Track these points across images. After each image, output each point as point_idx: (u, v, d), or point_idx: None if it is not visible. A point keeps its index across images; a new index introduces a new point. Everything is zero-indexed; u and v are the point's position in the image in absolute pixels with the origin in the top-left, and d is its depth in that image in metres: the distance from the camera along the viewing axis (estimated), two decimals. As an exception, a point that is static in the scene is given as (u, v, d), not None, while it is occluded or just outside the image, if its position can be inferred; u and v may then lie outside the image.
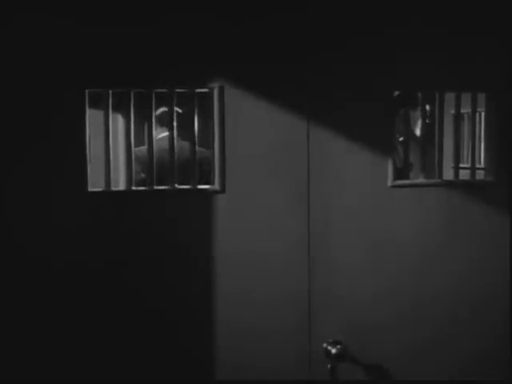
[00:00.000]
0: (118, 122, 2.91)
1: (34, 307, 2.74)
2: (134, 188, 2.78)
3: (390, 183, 2.94)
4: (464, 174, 3.06)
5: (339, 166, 2.90)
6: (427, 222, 2.97)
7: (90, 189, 2.75)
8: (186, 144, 2.83)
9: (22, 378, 2.73)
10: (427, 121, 3.09)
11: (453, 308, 3.01)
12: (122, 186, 2.83)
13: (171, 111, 2.79)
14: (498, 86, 3.01)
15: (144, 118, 2.80)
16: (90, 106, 2.74)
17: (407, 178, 3.02)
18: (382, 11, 2.90)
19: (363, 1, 2.89)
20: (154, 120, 2.79)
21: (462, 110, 3.04)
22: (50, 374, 2.75)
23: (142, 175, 2.89)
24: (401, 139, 3.05)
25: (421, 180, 3.01)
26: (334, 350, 2.88)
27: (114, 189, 2.78)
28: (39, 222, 2.72)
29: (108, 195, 2.77)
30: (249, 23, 2.82)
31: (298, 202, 2.88)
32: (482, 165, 3.08)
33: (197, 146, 2.80)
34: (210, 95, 2.81)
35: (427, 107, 3.10)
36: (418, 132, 3.34)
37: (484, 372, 3.03)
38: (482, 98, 3.05)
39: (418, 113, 3.17)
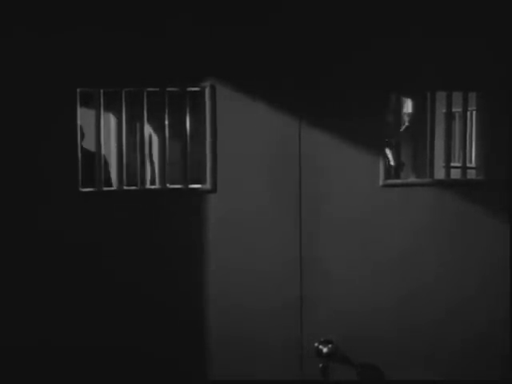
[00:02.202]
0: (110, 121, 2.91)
1: (27, 302, 2.73)
2: (125, 187, 2.78)
3: (381, 183, 2.94)
4: (455, 173, 3.06)
5: (331, 165, 2.90)
6: (418, 221, 2.98)
7: (81, 188, 2.74)
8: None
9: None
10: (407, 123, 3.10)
11: (446, 306, 3.01)
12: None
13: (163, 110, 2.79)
14: (489, 85, 3.02)
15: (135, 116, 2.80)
16: (83, 105, 2.74)
17: (398, 177, 3.03)
18: (373, 11, 2.90)
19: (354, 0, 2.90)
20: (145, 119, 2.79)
21: (453, 109, 3.04)
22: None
23: None
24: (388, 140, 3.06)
25: (412, 179, 3.01)
26: (325, 350, 2.89)
27: (105, 188, 2.77)
28: (30, 222, 2.71)
29: (99, 195, 2.76)
30: (240, 23, 2.81)
31: (289, 201, 2.88)
32: (473, 164, 3.08)
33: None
34: (201, 94, 2.80)
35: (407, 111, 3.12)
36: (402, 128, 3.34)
37: (483, 371, 3.04)
38: (473, 97, 3.05)
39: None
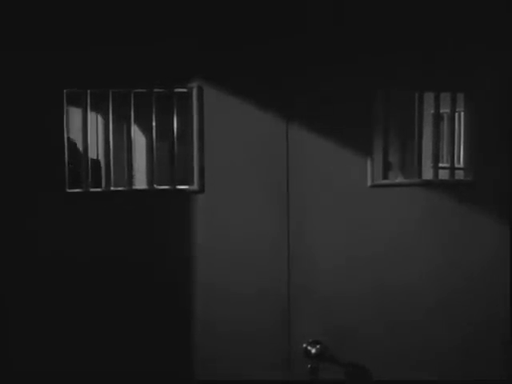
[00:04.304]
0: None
1: (16, 301, 2.73)
2: (112, 188, 2.78)
3: (369, 183, 2.95)
4: (443, 174, 3.06)
5: (318, 166, 2.90)
6: (406, 221, 2.98)
7: (68, 189, 2.74)
8: None
9: None
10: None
11: (436, 306, 3.01)
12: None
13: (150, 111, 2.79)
14: (478, 86, 3.02)
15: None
16: (72, 105, 2.74)
17: (386, 177, 3.03)
18: (363, 11, 2.91)
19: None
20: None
21: (441, 110, 3.05)
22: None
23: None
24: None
25: (400, 180, 3.01)
26: (313, 350, 2.88)
27: (92, 189, 2.77)
28: (17, 222, 2.71)
29: (86, 195, 2.76)
30: (228, 24, 2.82)
31: (277, 201, 2.88)
32: (461, 165, 3.08)
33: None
34: (188, 95, 2.81)
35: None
36: None
37: (481, 371, 3.03)
38: (461, 97, 3.05)
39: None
